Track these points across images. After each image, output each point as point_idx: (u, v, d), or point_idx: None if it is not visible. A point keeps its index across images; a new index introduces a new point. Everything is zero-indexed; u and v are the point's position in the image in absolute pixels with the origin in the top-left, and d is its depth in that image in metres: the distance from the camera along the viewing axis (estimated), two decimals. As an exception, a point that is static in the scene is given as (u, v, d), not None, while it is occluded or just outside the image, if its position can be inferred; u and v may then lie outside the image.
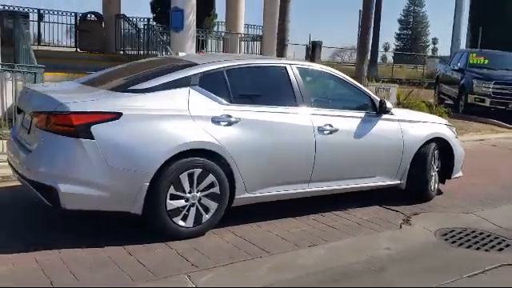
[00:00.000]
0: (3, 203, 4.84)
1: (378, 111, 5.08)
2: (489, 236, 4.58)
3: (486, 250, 4.25)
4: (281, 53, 10.22)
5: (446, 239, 4.48)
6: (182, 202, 3.95)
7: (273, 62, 5.02)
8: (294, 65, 4.77)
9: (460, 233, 4.64)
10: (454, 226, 4.79)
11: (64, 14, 13.93)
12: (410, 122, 5.34)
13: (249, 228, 4.38)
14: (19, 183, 4.32)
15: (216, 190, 4.09)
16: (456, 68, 14.98)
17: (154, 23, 13.95)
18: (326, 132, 4.66)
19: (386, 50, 54.77)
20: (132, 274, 3.37)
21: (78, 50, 13.56)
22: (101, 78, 4.61)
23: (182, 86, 4.09)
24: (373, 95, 5.22)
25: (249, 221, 4.49)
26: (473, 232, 4.67)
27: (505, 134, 11.38)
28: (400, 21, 72.02)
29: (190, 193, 3.98)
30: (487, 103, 13.17)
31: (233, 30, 13.43)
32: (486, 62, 14.44)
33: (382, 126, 5.08)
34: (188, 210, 3.99)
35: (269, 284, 3.35)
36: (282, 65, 4.75)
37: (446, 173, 5.75)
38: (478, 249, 4.28)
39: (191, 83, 4.12)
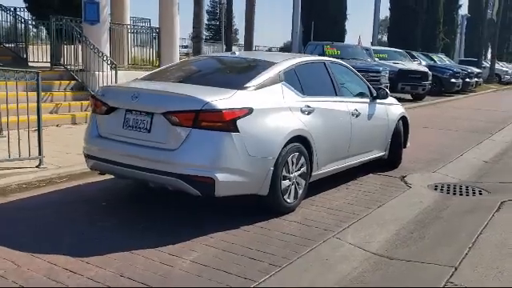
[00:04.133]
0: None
1: (374, 97, 6.30)
2: (462, 186, 6.21)
3: (473, 195, 5.84)
4: (198, 46, 10.65)
5: (441, 192, 5.95)
6: (287, 182, 4.59)
7: (315, 58, 5.81)
8: (327, 60, 5.68)
9: (443, 187, 6.15)
10: (434, 183, 6.30)
11: None
12: (389, 104, 6.71)
13: (319, 200, 5.18)
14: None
15: (304, 169, 4.82)
16: (313, 58, 17.20)
17: (28, 14, 12.80)
18: (354, 116, 5.69)
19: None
20: (296, 242, 3.97)
21: None
22: (185, 75, 4.89)
23: (276, 82, 4.68)
24: (367, 83, 6.44)
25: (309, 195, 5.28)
26: (449, 185, 6.24)
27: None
28: (208, 12, 75.27)
29: (291, 173, 4.64)
30: (347, 87, 15.56)
31: (119, 21, 13.17)
32: (338, 52, 16.94)
33: (378, 108, 6.32)
34: (290, 188, 4.65)
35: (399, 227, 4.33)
36: (322, 61, 5.62)
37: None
38: (467, 195, 5.84)
39: (280, 79, 4.74)
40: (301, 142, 4.71)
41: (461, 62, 31.35)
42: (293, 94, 4.81)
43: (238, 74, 4.80)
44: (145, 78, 4.99)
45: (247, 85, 4.44)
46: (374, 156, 6.42)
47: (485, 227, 4.51)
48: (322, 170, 5.17)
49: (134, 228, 4.17)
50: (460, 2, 42.82)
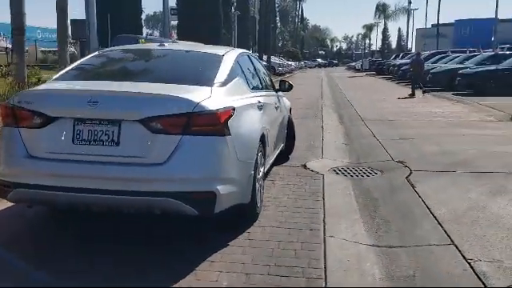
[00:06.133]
0: None
1: (277, 89, 6.21)
2: (355, 169, 6.61)
3: (372, 175, 6.25)
4: (20, 41, 8.83)
5: (345, 175, 6.24)
6: (257, 185, 4.18)
7: (242, 50, 5.26)
8: (249, 53, 5.34)
9: (340, 170, 6.46)
10: (332, 167, 6.58)
11: None
12: (282, 96, 6.70)
13: (264, 199, 4.87)
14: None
15: (263, 169, 4.47)
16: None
17: None
18: (277, 108, 5.55)
19: None
20: (302, 248, 3.66)
21: None
22: (131, 72, 3.97)
23: (234, 77, 4.17)
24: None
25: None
26: (344, 168, 6.58)
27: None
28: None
29: (259, 175, 4.24)
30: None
31: None
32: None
33: (282, 101, 6.28)
34: (259, 191, 4.25)
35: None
36: (245, 53, 5.23)
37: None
38: (368, 176, 6.22)
39: (235, 74, 4.25)
40: (261, 140, 4.36)
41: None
42: (246, 90, 4.40)
43: (193, 69, 4.09)
44: (65, 78, 3.87)
45: (215, 81, 3.85)
46: (280, 148, 6.37)
47: (426, 204, 4.90)
48: (266, 168, 4.89)
49: (112, 274, 3.23)
50: (232, 0, 45.96)
